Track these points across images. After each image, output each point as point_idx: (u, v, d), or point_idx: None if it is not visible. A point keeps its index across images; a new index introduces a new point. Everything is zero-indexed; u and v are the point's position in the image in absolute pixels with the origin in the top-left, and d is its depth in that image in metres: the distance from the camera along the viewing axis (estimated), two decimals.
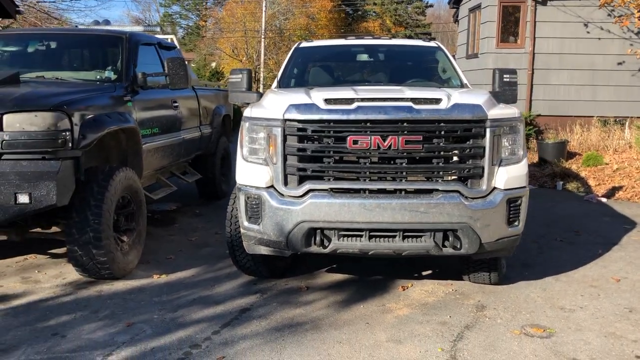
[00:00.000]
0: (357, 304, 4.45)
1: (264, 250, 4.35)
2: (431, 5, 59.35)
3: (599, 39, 12.43)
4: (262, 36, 42.62)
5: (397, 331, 3.96)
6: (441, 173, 4.04)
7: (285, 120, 4.04)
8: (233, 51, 44.47)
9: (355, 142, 3.94)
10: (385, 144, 3.92)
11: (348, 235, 4.07)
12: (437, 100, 4.07)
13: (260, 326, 4.02)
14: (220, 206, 8.03)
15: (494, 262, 4.60)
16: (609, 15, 12.21)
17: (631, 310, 4.35)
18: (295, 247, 4.12)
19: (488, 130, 4.02)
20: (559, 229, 6.78)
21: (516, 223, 4.19)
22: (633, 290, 4.76)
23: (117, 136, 5.29)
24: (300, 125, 4.01)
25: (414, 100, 4.05)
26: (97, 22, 7.69)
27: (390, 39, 6.28)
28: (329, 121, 3.97)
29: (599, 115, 12.48)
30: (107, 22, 7.74)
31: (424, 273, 5.18)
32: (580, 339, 3.86)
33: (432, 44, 6.18)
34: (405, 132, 3.93)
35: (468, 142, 4.05)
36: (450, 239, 4.02)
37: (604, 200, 8.46)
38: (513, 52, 12.65)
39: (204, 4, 56.69)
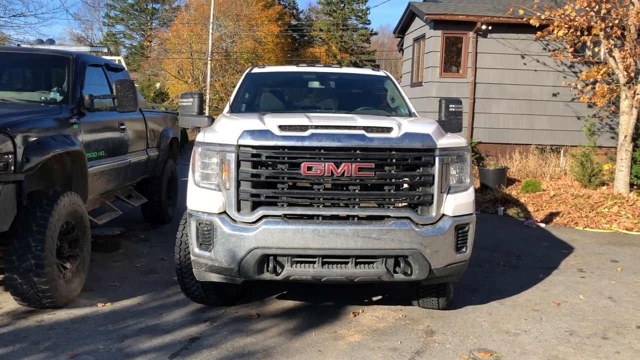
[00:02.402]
0: (308, 331, 4.43)
1: (215, 277, 4.29)
2: (375, 33, 60.73)
3: (535, 70, 13.09)
4: (209, 58, 42.45)
5: (349, 358, 3.97)
6: (392, 200, 4.11)
7: (239, 145, 4.03)
8: (178, 72, 44.03)
9: (309, 168, 3.97)
10: (339, 170, 3.97)
11: (301, 262, 4.07)
12: (389, 129, 4.16)
13: (211, 356, 3.94)
14: (166, 231, 7.89)
15: (442, 287, 4.70)
16: (544, 49, 12.88)
17: (572, 334, 4.51)
18: (247, 274, 4.08)
19: (437, 159, 4.14)
20: (502, 253, 7.00)
21: (464, 249, 4.30)
22: (573, 314, 4.95)
23: (62, 159, 5.13)
24: (254, 151, 4.01)
25: (366, 128, 4.13)
26: (40, 41, 7.46)
27: (340, 67, 6.39)
28: (283, 147, 3.99)
29: (536, 143, 13.05)
30: (51, 42, 7.51)
31: (374, 298, 5.22)
32: None
33: (381, 73, 6.33)
34: (358, 159, 3.99)
35: (418, 170, 4.16)
36: (401, 265, 4.08)
37: (542, 225, 8.80)
38: (456, 82, 13.12)
39: (149, 24, 56.12)
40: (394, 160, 4.07)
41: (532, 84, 13.09)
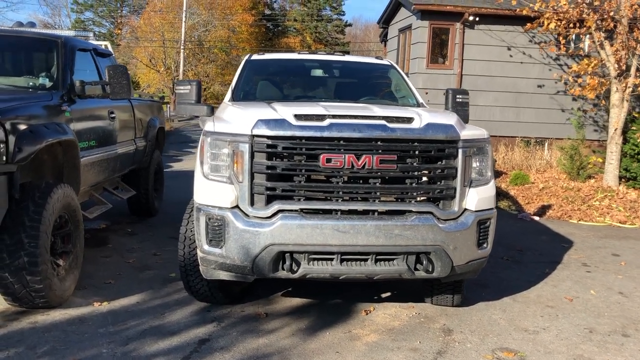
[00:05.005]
0: (322, 330, 4.22)
1: (224, 275, 4.04)
2: (350, 25, 60.55)
3: (522, 62, 13.04)
4: (182, 47, 41.68)
5: None
6: (414, 194, 3.91)
7: (254, 136, 3.77)
8: (150, 61, 43.11)
9: (328, 160, 3.74)
10: (360, 163, 3.75)
11: (318, 259, 3.85)
12: (409, 120, 3.96)
13: (224, 359, 3.70)
14: (154, 224, 7.58)
15: (458, 284, 4.54)
16: (530, 41, 12.84)
17: (591, 331, 4.40)
18: (261, 272, 3.84)
19: (460, 151, 3.95)
20: (503, 247, 6.88)
21: (485, 245, 4.15)
22: (587, 310, 4.85)
23: (53, 149, 4.79)
24: (270, 142, 3.76)
25: (386, 118, 3.92)
26: (20, 24, 7.03)
27: (343, 55, 6.16)
28: (301, 138, 3.75)
29: (522, 136, 13.04)
30: (32, 25, 7.10)
31: (384, 295, 5.04)
32: None
33: (385, 62, 6.12)
34: (380, 151, 3.78)
35: (440, 163, 3.97)
36: (423, 262, 3.89)
37: (536, 218, 8.74)
38: (442, 73, 13.00)
39: (119, 11, 54.85)
40: (416, 152, 3.87)
41: (518, 76, 13.04)
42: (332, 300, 4.85)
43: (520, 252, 6.69)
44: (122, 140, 6.54)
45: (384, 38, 17.32)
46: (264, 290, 4.99)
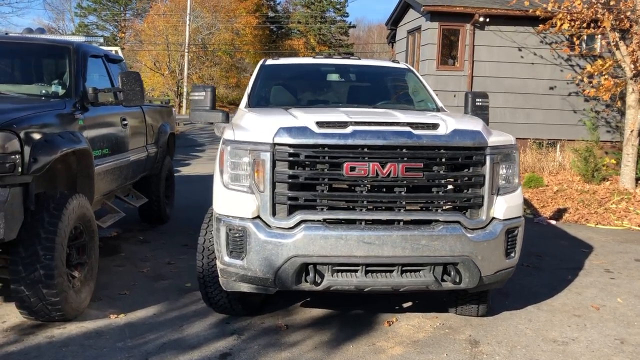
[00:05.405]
0: (345, 343, 4.10)
1: (245, 287, 3.93)
2: (354, 26, 60.51)
3: (532, 63, 12.91)
4: (186, 50, 41.66)
5: None
6: (441, 202, 3.80)
7: (275, 144, 3.66)
8: (155, 64, 43.14)
9: (352, 168, 3.63)
10: (385, 171, 3.63)
11: (343, 271, 3.74)
12: (435, 126, 3.84)
13: None
14: (166, 231, 7.48)
15: (484, 294, 4.42)
16: (541, 41, 12.70)
17: (622, 342, 4.27)
18: (284, 285, 3.73)
19: (488, 157, 3.84)
20: (521, 252, 6.72)
21: (513, 254, 4.04)
22: (616, 319, 4.72)
23: (66, 158, 4.69)
24: (292, 150, 3.65)
25: (411, 124, 3.80)
26: (30, 30, 6.96)
27: (359, 59, 6.05)
28: (323, 146, 3.64)
29: (533, 138, 12.90)
30: (41, 31, 7.03)
31: (405, 305, 4.92)
32: None
33: (402, 65, 6.00)
34: (405, 158, 3.67)
35: (467, 170, 3.85)
36: (451, 273, 3.78)
37: (553, 222, 8.59)
38: (452, 75, 12.88)
39: (123, 15, 54.93)
40: (443, 160, 3.75)
41: (529, 77, 12.92)
42: (353, 310, 4.74)
43: (540, 258, 6.56)
44: (134, 147, 6.45)
45: (391, 39, 17.21)
46: (283, 300, 4.87)
